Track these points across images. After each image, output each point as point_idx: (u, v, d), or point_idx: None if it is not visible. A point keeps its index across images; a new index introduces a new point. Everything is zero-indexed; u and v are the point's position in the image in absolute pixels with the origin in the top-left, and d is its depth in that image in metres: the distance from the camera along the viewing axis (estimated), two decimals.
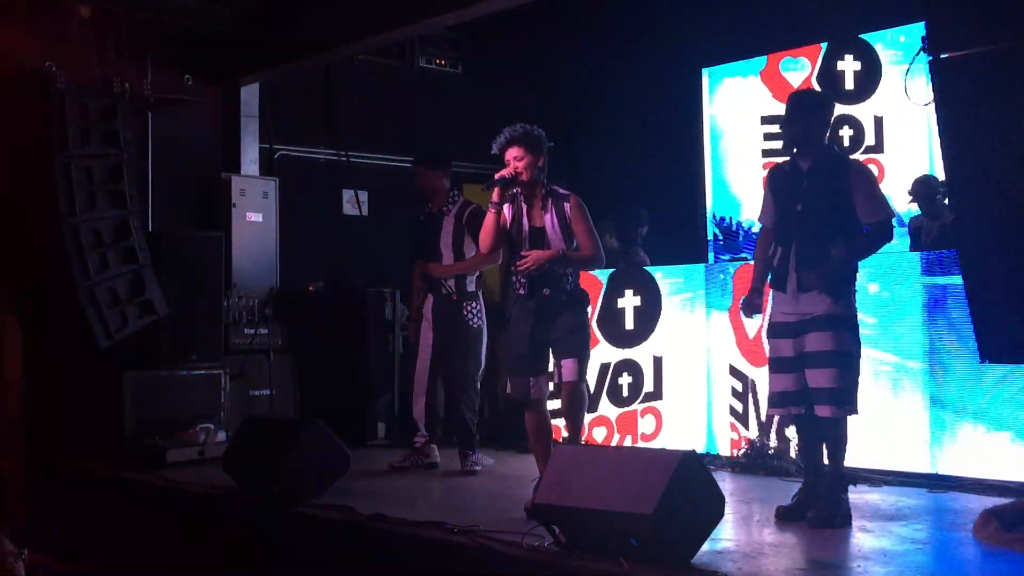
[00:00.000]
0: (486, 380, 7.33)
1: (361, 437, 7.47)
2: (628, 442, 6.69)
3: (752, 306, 5.01)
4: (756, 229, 6.29)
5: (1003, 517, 4.35)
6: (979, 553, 4.20)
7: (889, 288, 5.68)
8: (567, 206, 5.00)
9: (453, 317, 6.33)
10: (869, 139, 8.02)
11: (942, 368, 5.48)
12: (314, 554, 4.98)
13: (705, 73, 8.94)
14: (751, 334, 6.20)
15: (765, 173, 5.78)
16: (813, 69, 8.25)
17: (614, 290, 6.84)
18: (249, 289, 7.96)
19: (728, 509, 4.31)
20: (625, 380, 6.78)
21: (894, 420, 5.62)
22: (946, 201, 6.91)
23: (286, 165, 8.95)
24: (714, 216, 8.84)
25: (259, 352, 7.74)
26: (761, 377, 5.91)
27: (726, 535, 4.44)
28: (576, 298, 5.09)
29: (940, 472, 5.46)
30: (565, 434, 5.20)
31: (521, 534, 4.24)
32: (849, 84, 8.09)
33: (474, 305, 6.36)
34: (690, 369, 6.57)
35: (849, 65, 8.10)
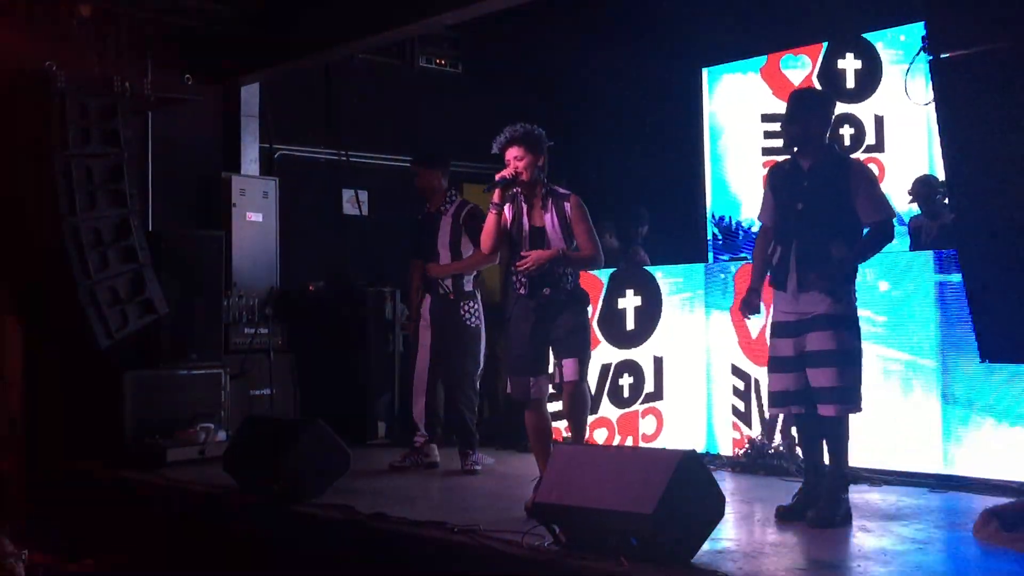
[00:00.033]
0: (486, 380, 7.33)
1: (361, 436, 7.48)
2: (629, 443, 6.68)
3: (751, 306, 5.01)
4: (756, 228, 6.29)
5: (1003, 517, 4.35)
6: (979, 553, 4.20)
7: (901, 287, 5.65)
8: (567, 206, 5.00)
9: (450, 317, 6.33)
10: (870, 138, 8.00)
11: (956, 364, 5.44)
12: (314, 553, 4.98)
13: (705, 72, 8.93)
14: (754, 334, 6.19)
15: (765, 172, 5.77)
16: (814, 67, 8.23)
17: (615, 290, 6.84)
18: (249, 288, 7.97)
19: (728, 509, 4.31)
20: (626, 381, 6.77)
21: (905, 418, 5.59)
22: (946, 201, 6.91)
23: (286, 165, 8.95)
24: (713, 215, 8.82)
25: (259, 351, 7.74)
26: (764, 376, 5.91)
27: (726, 535, 4.44)
28: (576, 297, 5.09)
29: (954, 470, 5.41)
30: (567, 435, 5.19)
31: (521, 533, 4.24)
32: (850, 83, 8.06)
33: (471, 305, 6.36)
34: (691, 369, 6.57)
35: (850, 63, 8.08)
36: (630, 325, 6.77)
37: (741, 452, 6.17)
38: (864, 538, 4.44)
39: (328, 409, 6.79)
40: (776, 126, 7.76)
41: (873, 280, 5.68)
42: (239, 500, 5.54)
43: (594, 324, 6.74)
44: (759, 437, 6.11)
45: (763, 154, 8.39)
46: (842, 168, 4.77)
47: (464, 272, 6.34)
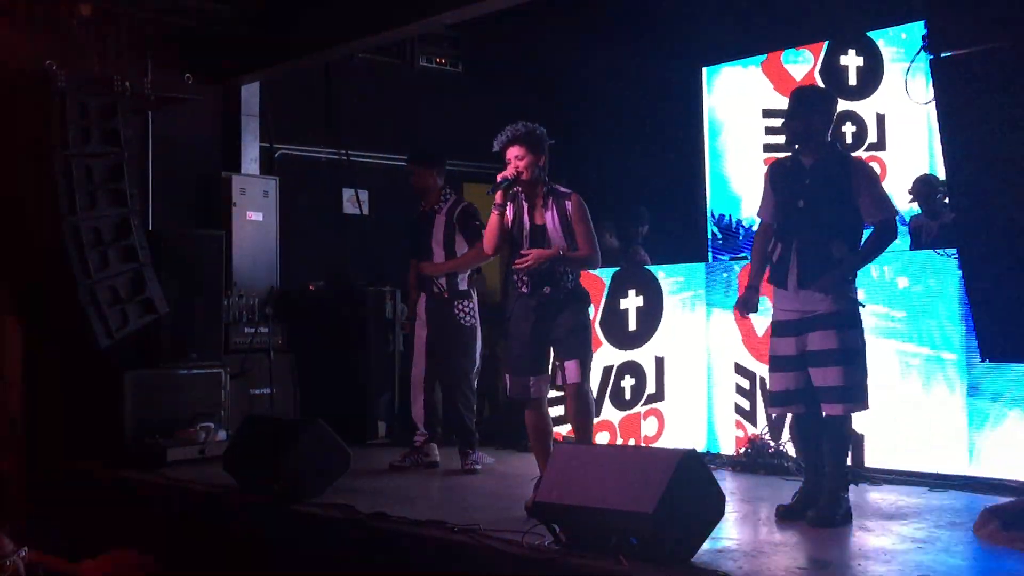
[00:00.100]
0: (487, 379, 7.34)
1: (361, 436, 7.47)
2: None
3: (749, 304, 5.00)
4: (756, 227, 6.28)
5: (1003, 516, 4.36)
6: (979, 552, 4.20)
7: (922, 282, 5.61)
8: (568, 204, 5.01)
9: (445, 316, 6.34)
10: (872, 136, 7.95)
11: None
12: (314, 553, 4.99)
13: (705, 72, 8.90)
14: (760, 332, 6.16)
15: (766, 169, 5.75)
16: (816, 62, 8.16)
17: (617, 290, 6.83)
18: (249, 288, 7.96)
19: (728, 508, 4.31)
20: (628, 382, 6.76)
21: (928, 414, 5.54)
22: (946, 200, 6.90)
23: (286, 164, 8.95)
24: (713, 214, 8.78)
25: (259, 351, 7.74)
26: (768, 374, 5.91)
27: (726, 534, 4.44)
28: (577, 296, 5.09)
29: (979, 464, 5.35)
30: (571, 437, 5.19)
31: (521, 533, 4.24)
32: (852, 80, 8.00)
33: (466, 304, 6.36)
34: (692, 369, 6.56)
35: (852, 60, 8.02)
36: (632, 326, 6.76)
37: (744, 451, 6.15)
38: (864, 537, 4.44)
39: (328, 409, 6.79)
40: (778, 122, 7.73)
41: (891, 277, 5.66)
42: (239, 500, 5.54)
43: (596, 325, 6.75)
44: (762, 434, 6.09)
45: (764, 151, 8.29)
46: (844, 166, 4.77)
47: (458, 270, 6.34)
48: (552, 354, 5.25)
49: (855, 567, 3.99)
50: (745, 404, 6.30)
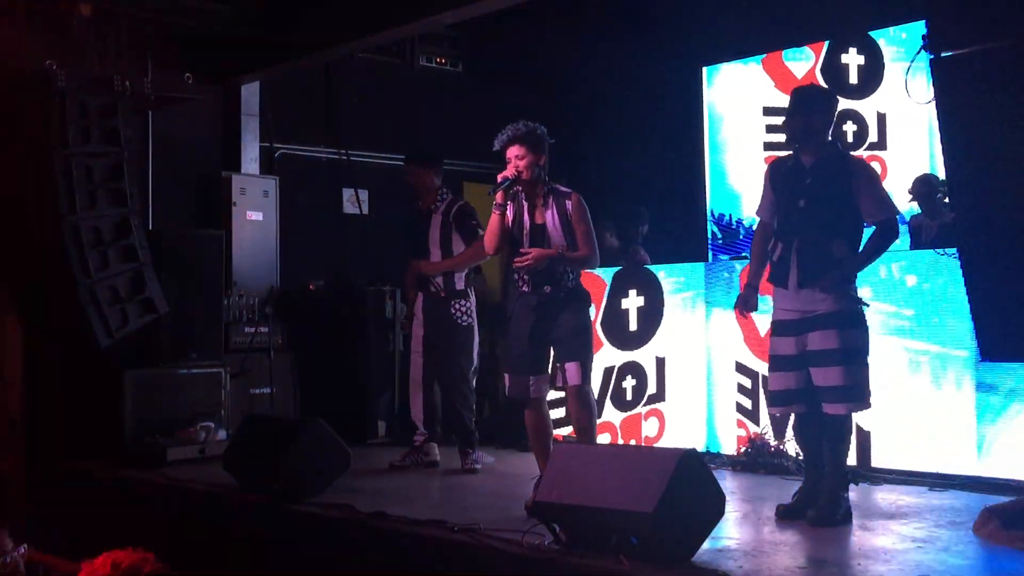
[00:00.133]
0: (487, 379, 7.34)
1: (361, 435, 7.47)
2: None
3: (748, 303, 5.01)
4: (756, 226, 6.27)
5: (1003, 515, 4.36)
6: (979, 551, 4.20)
7: (929, 280, 5.60)
8: (569, 204, 5.01)
9: (442, 315, 6.35)
10: (872, 136, 7.94)
11: None
12: (314, 552, 4.99)
13: (705, 71, 8.90)
14: (762, 331, 6.15)
15: (766, 168, 5.73)
16: (817, 60, 8.14)
17: (618, 290, 6.82)
18: (249, 288, 7.96)
19: (728, 507, 4.31)
20: (629, 383, 6.76)
21: (936, 410, 5.53)
22: (946, 200, 6.90)
23: (286, 164, 8.95)
24: (713, 213, 8.77)
25: (259, 350, 7.74)
26: None
27: (726, 533, 4.44)
28: (577, 296, 5.09)
29: (990, 459, 5.31)
30: (573, 438, 5.18)
31: (521, 532, 4.24)
32: (853, 78, 8.00)
33: (462, 303, 6.36)
34: (692, 368, 6.56)
35: (853, 59, 8.00)
36: (633, 326, 6.76)
37: (744, 450, 6.15)
38: (864, 537, 4.44)
39: (328, 408, 6.79)
40: (779, 120, 7.70)
41: (900, 276, 5.65)
42: (239, 499, 5.54)
43: (597, 326, 6.75)
44: (763, 432, 6.08)
45: (765, 149, 8.25)
46: (844, 166, 4.77)
47: (455, 269, 6.34)
48: (552, 354, 5.25)
49: (855, 566, 3.99)
50: (747, 403, 6.29)
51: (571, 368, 4.98)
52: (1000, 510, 4.43)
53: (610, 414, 6.78)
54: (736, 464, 6.11)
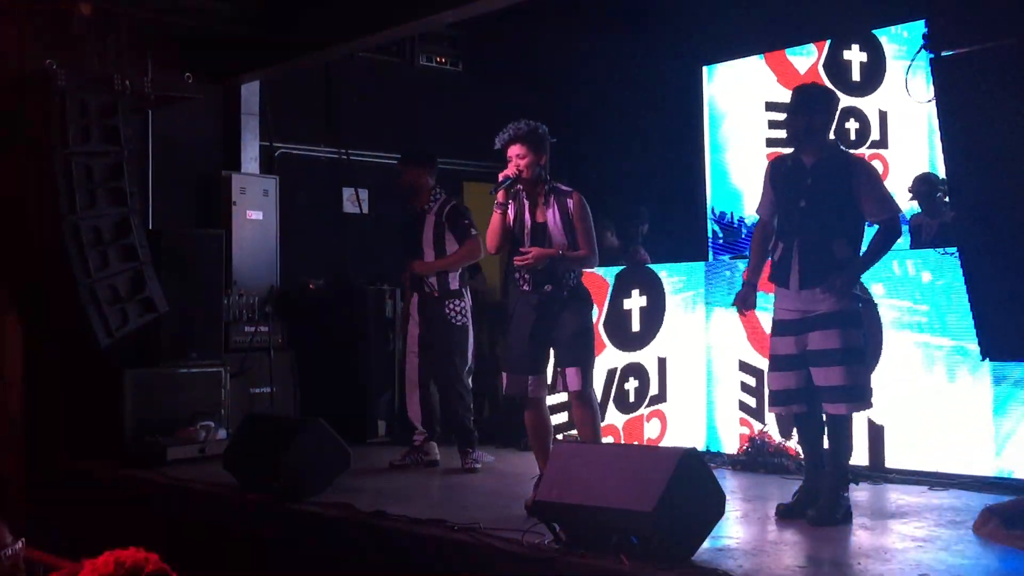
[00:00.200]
0: (487, 379, 7.33)
1: (361, 435, 7.47)
2: None
3: (747, 301, 5.00)
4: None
5: (1003, 515, 4.36)
6: (979, 551, 4.19)
7: (944, 276, 5.57)
8: (570, 203, 5.01)
9: (436, 315, 6.35)
10: (875, 134, 7.90)
11: None
12: (314, 552, 4.99)
13: (705, 71, 8.88)
14: (766, 328, 6.13)
15: (766, 166, 5.70)
16: (819, 56, 8.08)
17: (621, 290, 6.81)
18: (249, 287, 7.96)
19: (729, 507, 4.31)
20: (632, 385, 6.75)
21: (952, 404, 5.50)
22: (947, 199, 6.90)
23: (286, 163, 8.94)
24: (713, 211, 8.74)
25: (259, 350, 7.74)
26: None
27: (727, 533, 4.44)
28: (578, 296, 5.09)
29: (1007, 452, 5.28)
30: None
31: (521, 532, 4.24)
32: (855, 75, 7.95)
33: (457, 303, 6.37)
34: (694, 368, 6.55)
35: (855, 55, 7.95)
36: (635, 327, 6.75)
37: (745, 449, 6.14)
38: (864, 536, 4.44)
39: (328, 407, 6.79)
40: (781, 116, 7.64)
41: (915, 272, 5.64)
42: (239, 498, 5.54)
43: (600, 327, 6.75)
44: (763, 431, 6.08)
45: (767, 145, 8.15)
46: (845, 165, 4.76)
47: (448, 269, 6.34)
48: (553, 357, 5.24)
49: (855, 566, 3.98)
50: (751, 402, 6.26)
51: (571, 373, 4.97)
52: (1000, 509, 4.43)
53: (613, 416, 6.77)
54: (736, 463, 6.11)
